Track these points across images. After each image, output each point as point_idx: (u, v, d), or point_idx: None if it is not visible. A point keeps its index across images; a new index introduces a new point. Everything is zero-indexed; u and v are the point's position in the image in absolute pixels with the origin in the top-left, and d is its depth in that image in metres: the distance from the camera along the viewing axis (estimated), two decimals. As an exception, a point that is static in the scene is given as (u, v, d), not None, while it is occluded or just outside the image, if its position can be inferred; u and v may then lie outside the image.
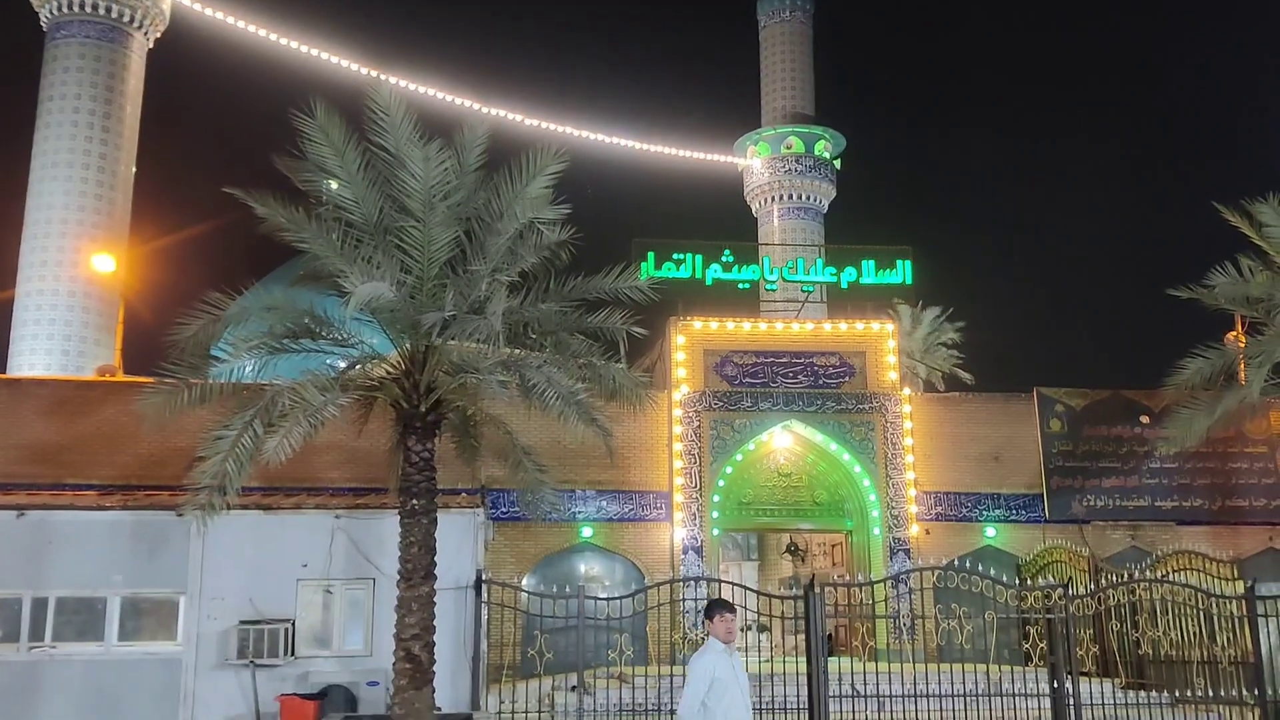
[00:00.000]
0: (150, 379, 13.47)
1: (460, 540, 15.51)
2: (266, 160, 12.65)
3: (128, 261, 32.01)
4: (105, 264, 30.16)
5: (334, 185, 12.84)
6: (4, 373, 30.52)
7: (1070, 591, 16.23)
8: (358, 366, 13.53)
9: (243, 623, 14.95)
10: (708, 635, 8.49)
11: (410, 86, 40.14)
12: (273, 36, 39.54)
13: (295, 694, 14.25)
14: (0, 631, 15.12)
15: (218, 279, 13.03)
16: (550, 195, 12.91)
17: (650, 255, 22.66)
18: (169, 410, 12.74)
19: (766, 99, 50.14)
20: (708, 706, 8.11)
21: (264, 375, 13.62)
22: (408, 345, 13.16)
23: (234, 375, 13.40)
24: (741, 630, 22.08)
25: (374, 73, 37.74)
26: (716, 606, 8.55)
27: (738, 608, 16.28)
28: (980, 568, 16.71)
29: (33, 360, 31.59)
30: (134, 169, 34.73)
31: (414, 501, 12.98)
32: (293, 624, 15.16)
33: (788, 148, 47.83)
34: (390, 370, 13.45)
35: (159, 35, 36.22)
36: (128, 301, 29.92)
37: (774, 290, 25.35)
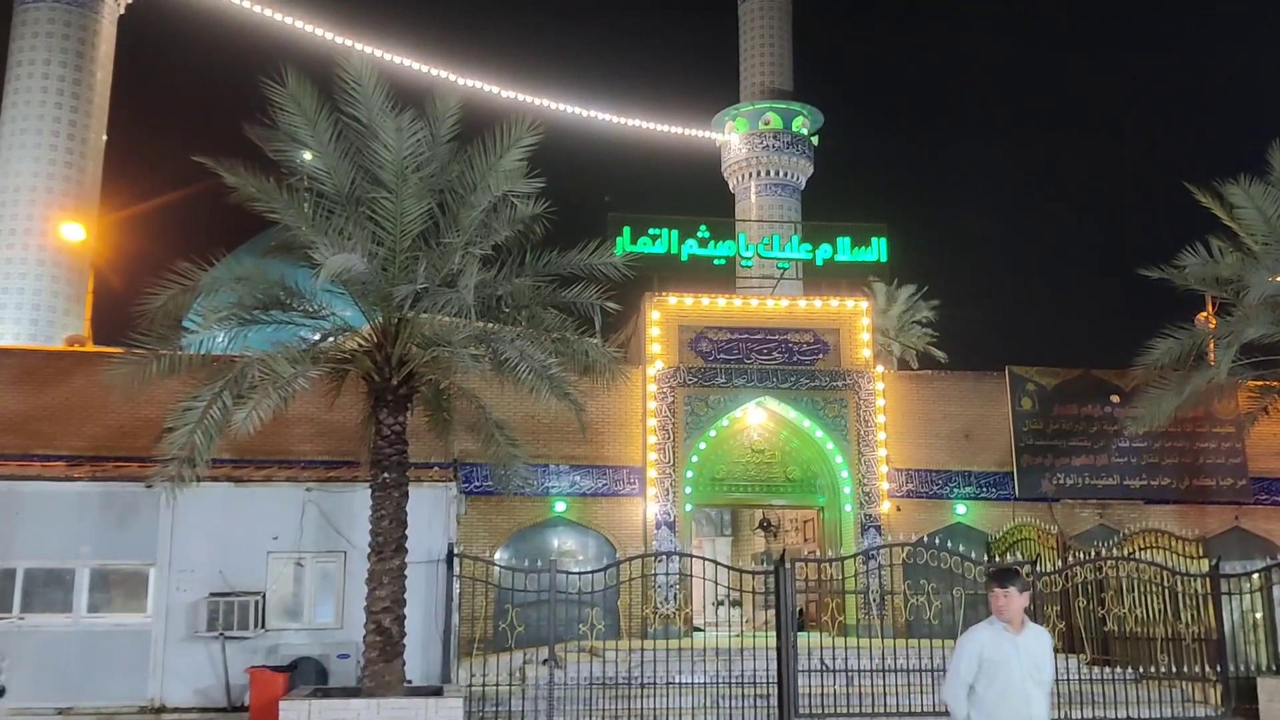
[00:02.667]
0: (120, 349, 13.34)
1: (432, 514, 15.51)
2: (238, 129, 12.55)
3: (98, 230, 31.67)
4: (75, 233, 29.81)
5: (307, 156, 12.73)
6: (-28, 342, 30.15)
7: (1038, 568, 16.40)
8: (329, 339, 13.47)
9: (213, 595, 14.91)
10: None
11: (383, 56, 39.74)
12: (245, 3, 39.03)
13: (265, 666, 14.24)
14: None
15: (189, 249, 12.93)
16: (524, 168, 12.86)
17: (626, 230, 22.60)
18: (138, 381, 12.65)
19: (745, 74, 49.96)
20: (977, 692, 6.81)
21: (235, 347, 13.55)
22: (379, 318, 13.10)
23: (205, 346, 13.32)
24: (714, 605, 22.35)
25: (346, 41, 37.40)
26: (993, 578, 7.10)
27: (710, 583, 16.48)
28: (950, 545, 16.84)
29: (1, 330, 31.23)
30: (105, 137, 34.27)
31: (385, 475, 12.96)
32: (263, 596, 15.13)
33: (765, 124, 47.69)
34: (362, 343, 13.40)
35: (130, 0, 35.70)
36: (98, 271, 29.61)
37: (749, 267, 25.36)
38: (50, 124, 32.80)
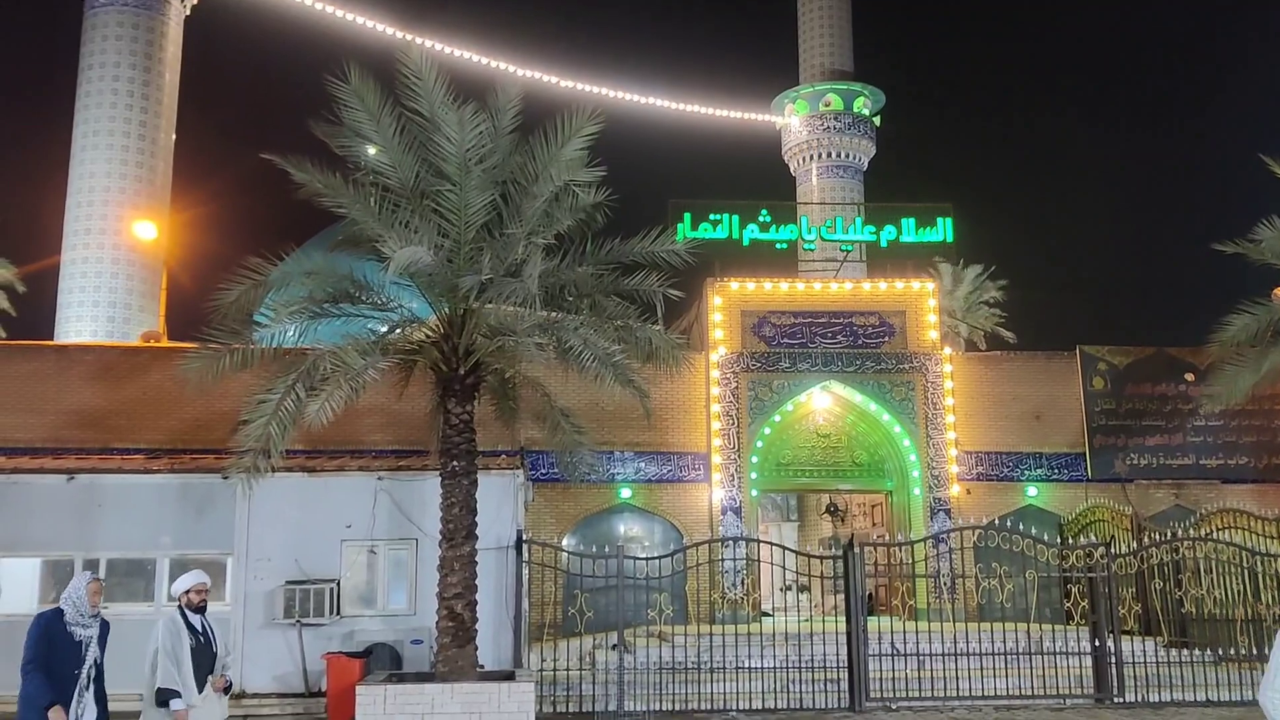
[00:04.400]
0: (194, 344, 13.63)
1: (500, 501, 15.66)
2: (304, 126, 12.73)
3: (169, 228, 32.38)
4: (147, 231, 30.51)
5: (371, 151, 12.89)
6: (52, 339, 31.03)
7: (1112, 550, 16.15)
8: (397, 330, 13.63)
9: (289, 583, 15.21)
10: None
11: (443, 49, 40.08)
12: (306, 1, 39.54)
13: (341, 652, 14.49)
14: (54, 593, 15.48)
15: (258, 245, 13.14)
16: (585, 157, 12.88)
17: (687, 216, 22.56)
18: (212, 375, 12.90)
19: (804, 56, 49.56)
20: None
21: (305, 340, 13.77)
22: (446, 309, 13.24)
23: (276, 340, 13.56)
24: (783, 590, 22.31)
25: (406, 35, 37.75)
26: None
27: (778, 568, 16.45)
28: (1021, 527, 16.65)
29: (79, 327, 32.07)
30: (174, 136, 34.98)
31: (454, 463, 13.10)
32: (338, 584, 15.41)
33: (826, 105, 47.29)
34: (429, 334, 13.54)
35: (195, 1, 36.36)
36: (170, 268, 30.29)
37: (812, 250, 25.22)
38: (121, 125, 33.54)
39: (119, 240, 32.58)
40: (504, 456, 16.98)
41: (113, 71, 33.74)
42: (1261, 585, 16.56)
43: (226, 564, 15.60)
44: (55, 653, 7.90)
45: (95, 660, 8.16)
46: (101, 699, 8.16)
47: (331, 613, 15.20)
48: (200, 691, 8.27)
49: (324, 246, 16.66)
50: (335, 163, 12.92)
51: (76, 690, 7.88)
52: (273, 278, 12.98)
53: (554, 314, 13.48)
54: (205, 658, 8.44)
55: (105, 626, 8.38)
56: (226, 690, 8.58)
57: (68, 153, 34.03)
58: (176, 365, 13.65)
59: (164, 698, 8.09)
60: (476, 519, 13.21)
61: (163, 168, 34.25)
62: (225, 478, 13.63)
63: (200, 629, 8.57)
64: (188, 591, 8.72)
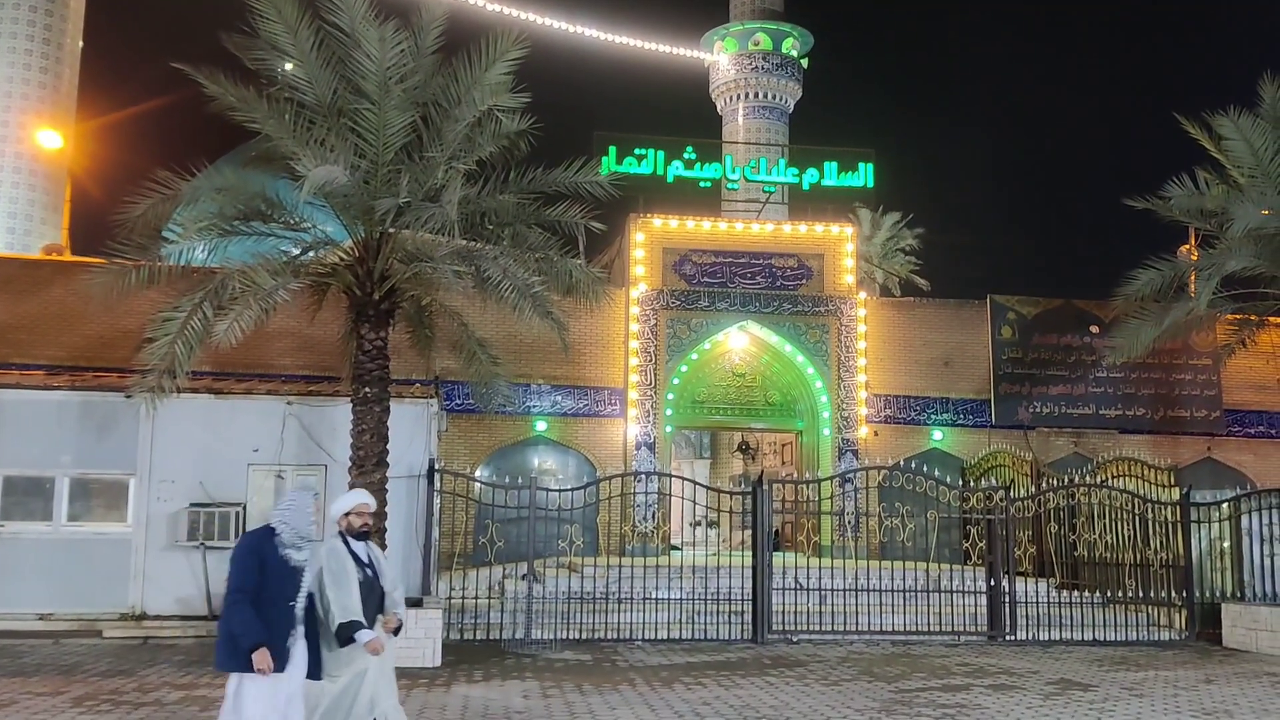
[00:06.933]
0: (99, 259, 13.22)
1: (413, 430, 15.54)
2: (220, 37, 12.30)
3: (76, 138, 31.17)
4: (51, 140, 29.33)
5: (289, 66, 12.51)
6: (-52, 249, 29.81)
7: (1011, 494, 16.64)
8: (310, 252, 13.37)
9: (193, 505, 14.97)
10: None
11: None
12: (226, -93, 38.05)
13: (246, 576, 14.34)
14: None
15: (169, 159, 12.75)
16: (510, 82, 12.69)
17: (612, 150, 22.38)
18: (116, 291, 12.56)
19: (736, -7, 49.09)
20: None
21: (215, 259, 13.45)
22: (361, 232, 13.01)
23: (185, 258, 13.23)
24: (692, 525, 22.61)
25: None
26: None
27: (689, 503, 16.66)
28: (926, 469, 17.04)
29: (-23, 237, 30.86)
30: (81, 42, 33.56)
31: (366, 390, 12.97)
32: (244, 507, 15.20)
33: (755, 44, 47.01)
34: (344, 257, 13.32)
35: (106, -99, 34.75)
36: (75, 179, 29.21)
37: (735, 190, 25.21)
38: (25, 28, 32.07)
39: (21, 149, 31.31)
40: (418, 385, 16.82)
41: (16, -29, 32.14)
42: (1151, 532, 17.21)
43: (129, 485, 15.29)
44: (266, 580, 6.50)
45: (310, 592, 6.60)
46: (313, 639, 6.63)
47: (237, 536, 15.00)
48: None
49: (238, 163, 16.22)
50: (252, 77, 12.54)
51: (291, 625, 6.52)
52: (183, 192, 12.61)
53: (473, 243, 13.32)
54: (373, 594, 6.94)
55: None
56: (396, 631, 6.97)
57: (-33, 55, 32.42)
58: (80, 280, 13.26)
59: (348, 632, 6.65)
60: (387, 446, 13.13)
61: (69, 74, 32.89)
62: (128, 396, 13.32)
63: (366, 559, 7.01)
64: (348, 514, 7.11)
